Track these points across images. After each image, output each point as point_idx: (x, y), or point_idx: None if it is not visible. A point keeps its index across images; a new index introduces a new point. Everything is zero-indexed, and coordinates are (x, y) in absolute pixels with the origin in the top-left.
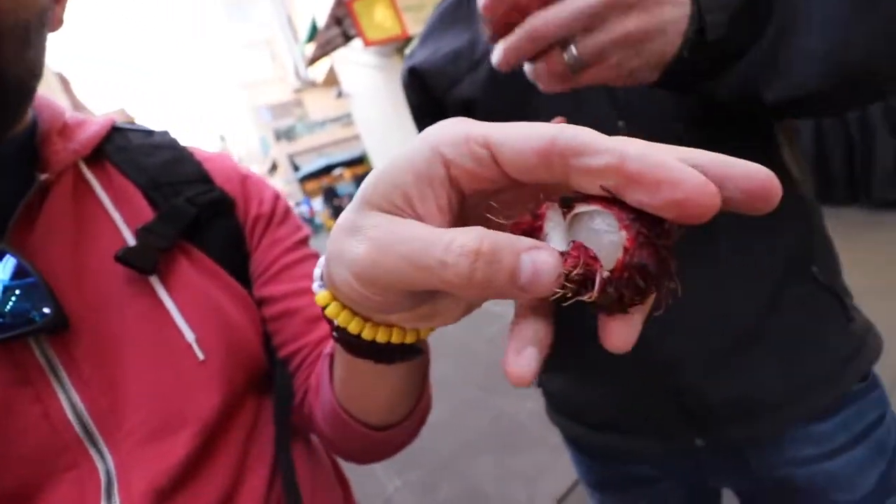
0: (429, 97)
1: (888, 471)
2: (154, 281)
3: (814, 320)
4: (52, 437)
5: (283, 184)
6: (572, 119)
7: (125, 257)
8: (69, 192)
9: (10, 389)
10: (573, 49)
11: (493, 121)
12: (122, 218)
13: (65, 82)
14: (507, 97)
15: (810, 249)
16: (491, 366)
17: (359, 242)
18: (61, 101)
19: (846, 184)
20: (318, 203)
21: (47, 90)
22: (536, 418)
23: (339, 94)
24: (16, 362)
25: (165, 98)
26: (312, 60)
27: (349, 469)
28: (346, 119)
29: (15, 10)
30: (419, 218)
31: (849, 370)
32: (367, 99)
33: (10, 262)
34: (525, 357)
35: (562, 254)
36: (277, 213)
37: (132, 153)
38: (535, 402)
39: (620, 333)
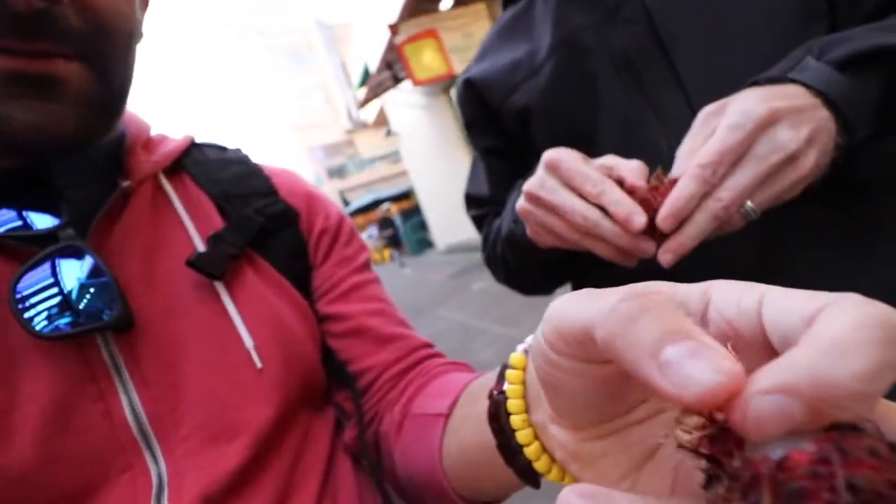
0: (483, 108)
1: None
2: (220, 288)
3: None
4: (111, 437)
5: None
6: (643, 119)
7: (197, 262)
8: (148, 200)
9: (77, 386)
10: (750, 204)
11: (551, 125)
12: (194, 226)
13: None
14: (569, 103)
15: None
16: None
17: (562, 299)
18: None
19: None
20: (364, 235)
21: None
22: None
23: (388, 133)
24: (84, 359)
25: (228, 138)
26: (364, 102)
27: None
28: (394, 156)
29: (123, 20)
30: None
31: None
32: (415, 137)
33: (88, 262)
34: None
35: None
36: (344, 231)
37: (208, 167)
38: None
39: None
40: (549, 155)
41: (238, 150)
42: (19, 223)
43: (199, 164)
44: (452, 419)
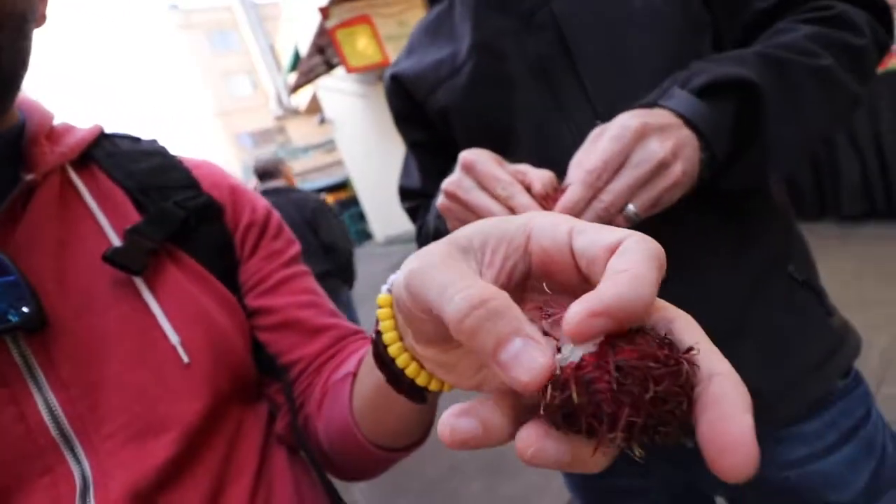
0: (410, 102)
1: (878, 469)
2: (139, 283)
3: (794, 315)
4: (27, 440)
5: None
6: (553, 121)
7: (112, 257)
8: (55, 195)
9: None
10: (632, 208)
11: (470, 124)
12: (108, 221)
13: None
14: (487, 102)
15: (786, 250)
16: None
17: (418, 259)
18: None
19: (815, 199)
20: None
21: None
22: None
23: (322, 121)
24: None
25: (145, 125)
26: (295, 88)
27: None
28: (329, 145)
29: (13, 0)
30: (481, 264)
31: (832, 364)
32: (350, 125)
33: None
34: (463, 423)
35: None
36: (272, 225)
37: (121, 158)
38: None
39: (528, 438)
40: (465, 156)
41: (154, 142)
42: None
43: (111, 155)
44: (358, 375)
